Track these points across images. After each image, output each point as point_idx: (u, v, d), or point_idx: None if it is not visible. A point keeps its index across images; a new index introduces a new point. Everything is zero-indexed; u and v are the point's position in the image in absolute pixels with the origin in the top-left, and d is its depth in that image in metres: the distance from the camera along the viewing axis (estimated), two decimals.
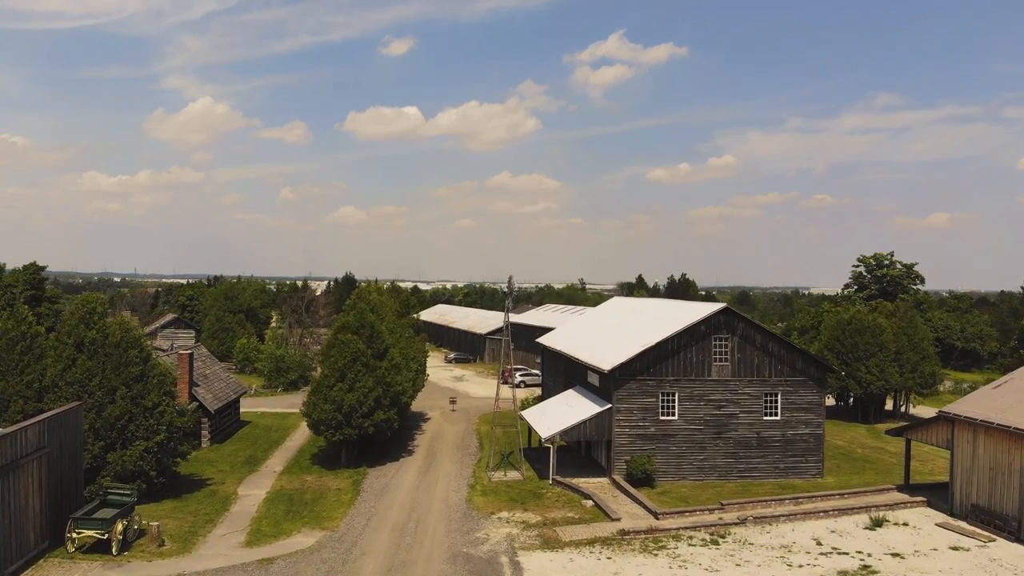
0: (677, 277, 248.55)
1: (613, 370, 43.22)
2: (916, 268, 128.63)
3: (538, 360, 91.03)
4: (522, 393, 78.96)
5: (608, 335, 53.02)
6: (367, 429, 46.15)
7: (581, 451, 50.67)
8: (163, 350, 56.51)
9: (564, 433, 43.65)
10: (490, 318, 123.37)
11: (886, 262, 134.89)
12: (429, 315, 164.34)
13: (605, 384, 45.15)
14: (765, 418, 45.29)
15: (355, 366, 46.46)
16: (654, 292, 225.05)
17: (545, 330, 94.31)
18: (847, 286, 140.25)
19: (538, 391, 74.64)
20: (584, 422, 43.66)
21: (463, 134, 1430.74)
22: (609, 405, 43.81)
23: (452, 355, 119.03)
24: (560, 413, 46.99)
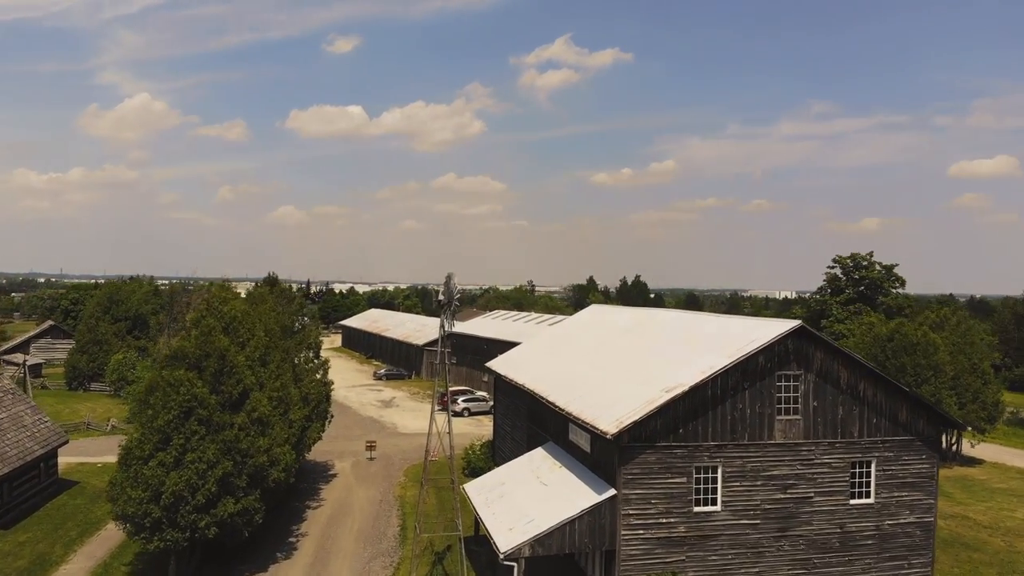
0: (619, 281, 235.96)
1: (620, 433, 25.75)
2: (896, 270, 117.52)
3: (485, 379, 73.38)
4: (466, 425, 61.16)
5: (596, 365, 35.51)
6: (205, 531, 27.72)
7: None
8: None
9: (539, 542, 25.90)
10: (429, 325, 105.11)
11: (864, 263, 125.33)
12: (359, 322, 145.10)
13: (604, 453, 27.69)
14: (852, 502, 28.48)
15: (188, 425, 28.03)
16: (605, 295, 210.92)
17: (496, 343, 76.59)
18: (821, 289, 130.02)
19: (487, 425, 56.99)
20: (571, 522, 26.02)
21: (408, 134, 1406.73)
22: (612, 491, 26.33)
23: (383, 371, 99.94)
24: (528, 499, 29.25)
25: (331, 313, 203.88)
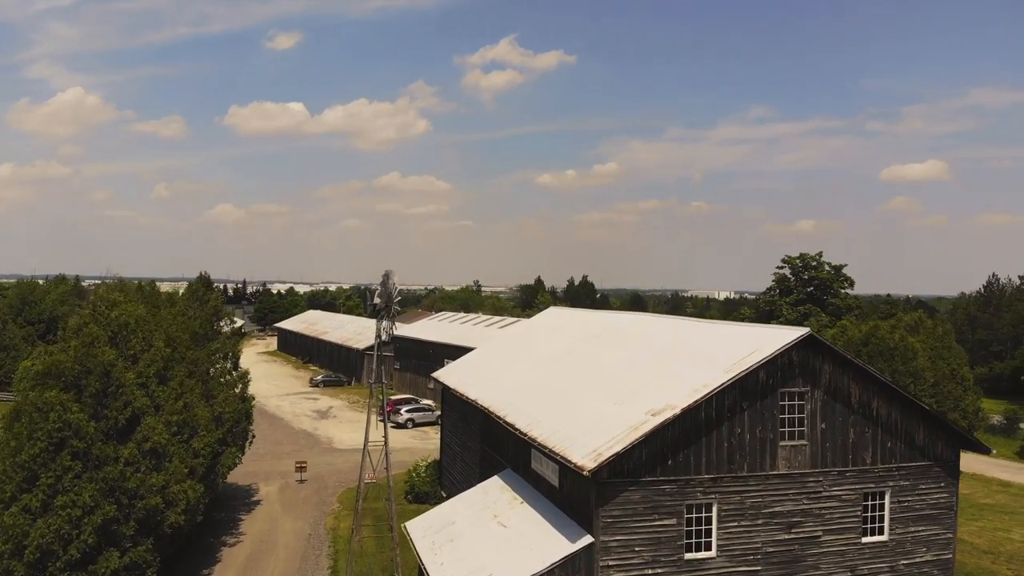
0: (567, 282, 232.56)
1: (599, 468, 21.00)
2: (845, 271, 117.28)
3: (431, 386, 68.09)
4: (411, 439, 55.93)
5: (561, 378, 30.74)
6: None
7: None
8: None
9: None
10: (371, 328, 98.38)
11: (813, 263, 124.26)
12: (296, 324, 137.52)
13: (577, 489, 22.89)
14: (864, 540, 24.32)
15: (59, 460, 22.35)
16: (552, 295, 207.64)
17: (443, 348, 71.46)
18: (770, 290, 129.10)
19: (434, 438, 51.91)
20: None
21: (351, 132, 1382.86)
22: (588, 538, 21.55)
23: (320, 377, 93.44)
24: (484, 545, 24.23)
25: (267, 315, 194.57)
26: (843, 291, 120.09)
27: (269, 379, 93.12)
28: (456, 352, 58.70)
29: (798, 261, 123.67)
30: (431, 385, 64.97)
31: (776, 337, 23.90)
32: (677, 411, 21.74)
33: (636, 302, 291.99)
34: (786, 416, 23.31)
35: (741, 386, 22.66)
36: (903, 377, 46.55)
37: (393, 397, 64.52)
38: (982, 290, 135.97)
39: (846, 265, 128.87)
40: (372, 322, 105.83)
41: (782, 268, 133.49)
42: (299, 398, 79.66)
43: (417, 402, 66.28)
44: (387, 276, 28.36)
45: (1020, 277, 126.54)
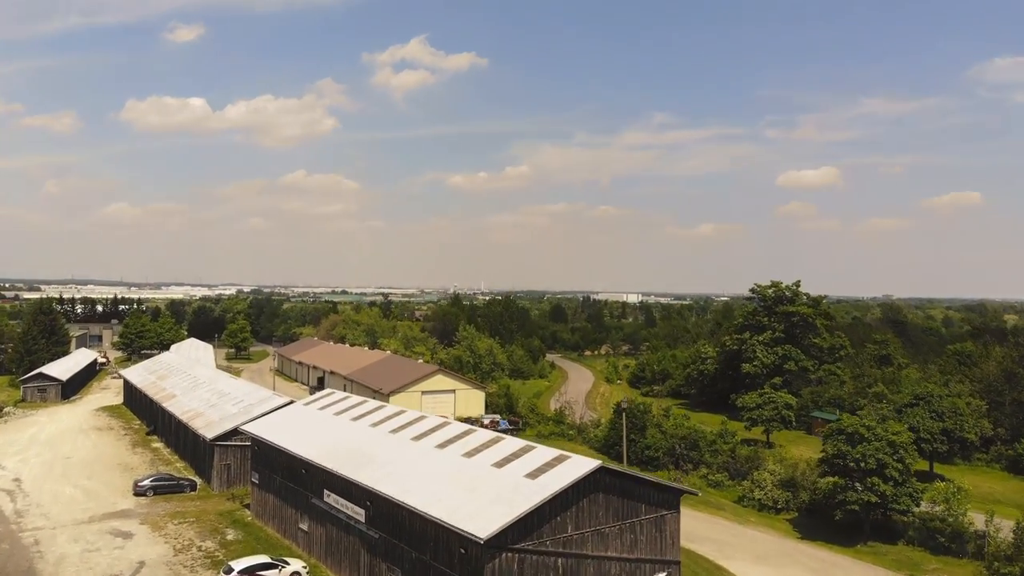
0: (476, 287, 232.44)
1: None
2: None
3: (303, 527, 49.32)
4: None
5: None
6: None
7: None
8: None
9: None
10: (239, 396, 75.15)
11: (788, 294, 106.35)
12: (139, 374, 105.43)
13: None
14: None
15: None
16: (470, 312, 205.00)
17: (322, 473, 46.83)
18: (739, 327, 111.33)
19: None
20: None
21: (254, 128, 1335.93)
22: None
23: (147, 480, 63.91)
24: None
25: (133, 341, 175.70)
26: (824, 326, 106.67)
27: (82, 471, 69.71)
28: (341, 484, 44.72)
29: (771, 291, 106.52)
30: (304, 526, 48.88)
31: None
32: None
33: (557, 314, 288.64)
34: None
35: None
36: None
37: (235, 563, 44.38)
38: None
39: (825, 297, 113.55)
40: (242, 387, 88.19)
41: (751, 299, 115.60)
42: (104, 530, 53.31)
43: (277, 568, 43.96)
44: None
45: None
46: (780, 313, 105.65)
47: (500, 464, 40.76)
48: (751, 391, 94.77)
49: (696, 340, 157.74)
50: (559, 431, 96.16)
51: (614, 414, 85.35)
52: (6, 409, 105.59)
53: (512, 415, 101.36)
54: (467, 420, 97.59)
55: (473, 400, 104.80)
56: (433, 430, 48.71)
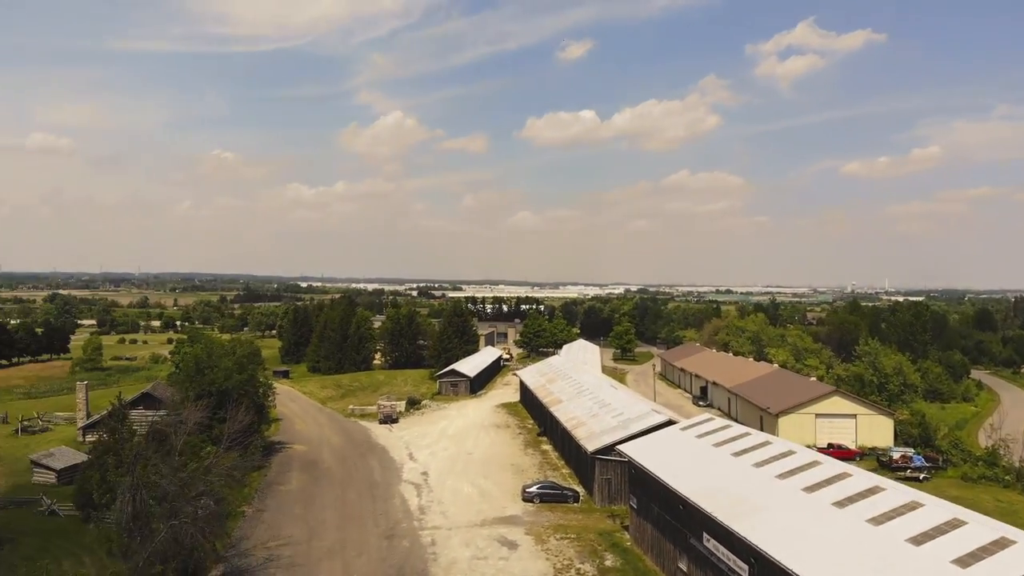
0: (879, 287, 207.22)
1: None
2: None
3: (683, 567, 45.07)
4: None
5: None
6: None
7: None
8: None
9: None
10: (628, 413, 71.25)
11: None
12: (533, 375, 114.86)
13: None
14: None
15: None
16: (873, 318, 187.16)
17: (702, 517, 42.95)
18: None
19: None
20: None
21: (638, 134, 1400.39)
22: None
23: (534, 487, 65.79)
24: None
25: (532, 339, 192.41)
26: None
27: (479, 470, 74.62)
28: (722, 532, 39.88)
29: None
30: (683, 566, 43.95)
31: None
32: None
33: (983, 320, 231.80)
34: None
35: None
36: None
37: None
38: None
39: None
40: (625, 394, 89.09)
41: None
42: (493, 536, 55.36)
43: None
44: None
45: None
46: None
47: (917, 541, 32.66)
48: None
49: None
50: (991, 475, 78.31)
51: None
52: (424, 402, 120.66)
53: (929, 449, 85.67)
54: (871, 452, 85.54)
55: (878, 428, 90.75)
56: (829, 481, 41.57)
